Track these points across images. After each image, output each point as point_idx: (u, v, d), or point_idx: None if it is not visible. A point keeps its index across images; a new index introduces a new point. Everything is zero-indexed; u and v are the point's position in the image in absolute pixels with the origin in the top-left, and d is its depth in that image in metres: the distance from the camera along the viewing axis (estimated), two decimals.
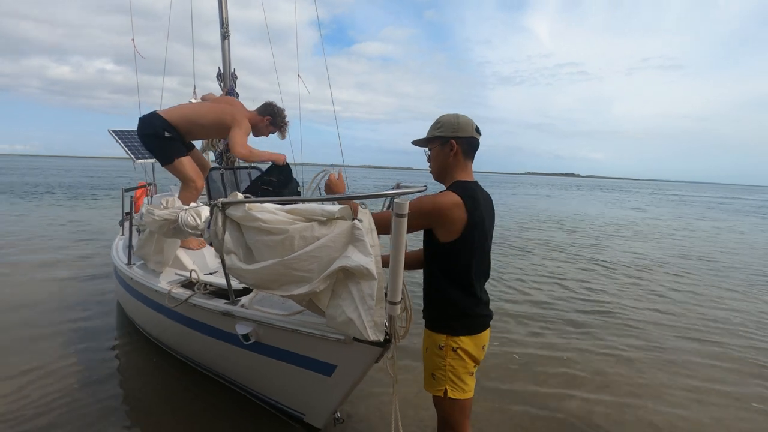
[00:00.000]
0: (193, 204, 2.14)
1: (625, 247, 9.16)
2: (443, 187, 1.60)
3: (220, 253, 1.72)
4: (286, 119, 3.20)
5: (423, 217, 1.47)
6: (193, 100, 5.45)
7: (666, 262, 7.66)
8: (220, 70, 3.76)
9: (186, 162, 3.03)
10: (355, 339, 1.54)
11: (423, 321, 1.61)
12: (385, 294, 1.39)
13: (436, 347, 1.52)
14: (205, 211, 2.03)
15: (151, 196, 4.53)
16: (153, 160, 3.94)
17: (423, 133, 1.68)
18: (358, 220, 1.52)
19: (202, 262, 2.91)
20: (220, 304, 2.09)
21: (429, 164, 1.71)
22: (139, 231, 2.92)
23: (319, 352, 1.77)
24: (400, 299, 1.35)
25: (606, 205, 23.41)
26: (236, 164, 3.88)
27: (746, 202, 35.76)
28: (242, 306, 2.03)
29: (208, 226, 1.79)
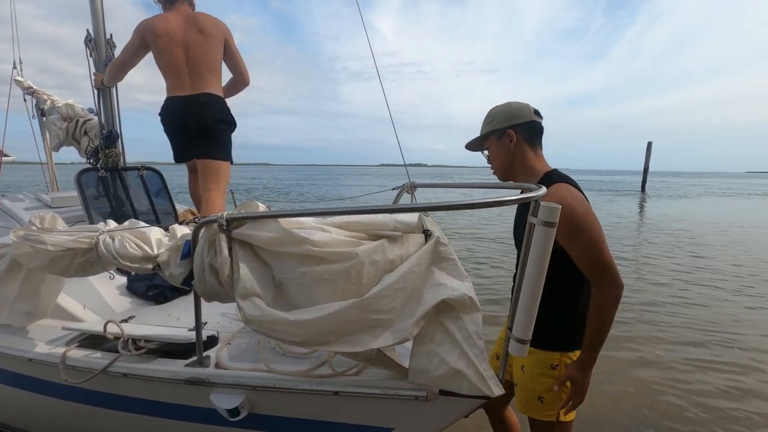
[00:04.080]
0: (118, 224, 1.38)
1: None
2: None
3: (217, 297, 1.11)
4: None
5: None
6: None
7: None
8: (90, 34, 2.71)
9: None
10: (442, 393, 1.14)
11: None
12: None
13: (548, 367, 1.31)
14: (157, 233, 1.32)
15: None
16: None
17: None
18: (429, 231, 1.13)
19: (99, 305, 2.01)
20: (179, 367, 1.40)
21: (490, 166, 1.52)
22: None
23: (366, 415, 1.29)
24: (530, 338, 1.02)
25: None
26: (121, 163, 2.87)
27: None
28: (218, 365, 1.40)
29: (184, 256, 1.14)
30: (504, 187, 1.54)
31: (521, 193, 1.08)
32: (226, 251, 1.03)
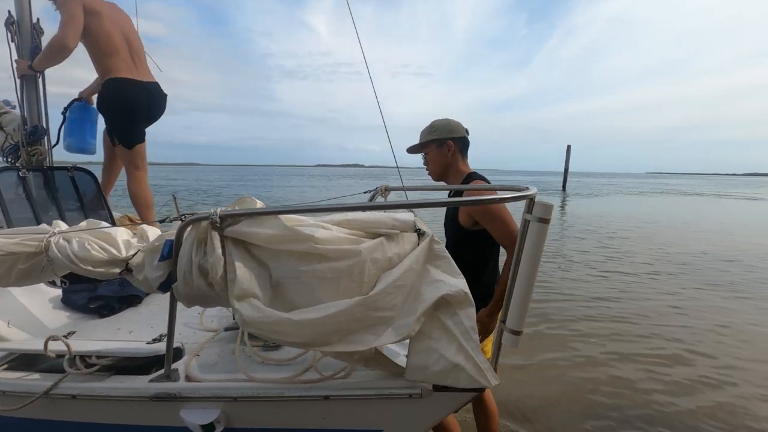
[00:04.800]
0: (92, 224, 1.23)
1: None
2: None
3: (202, 301, 1.04)
4: None
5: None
6: None
7: None
8: (12, 16, 2.39)
9: None
10: (436, 388, 1.16)
11: None
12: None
13: None
14: (123, 234, 1.19)
15: None
16: None
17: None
18: (421, 230, 1.17)
19: (27, 321, 1.75)
20: (142, 383, 1.27)
21: (426, 167, 1.86)
22: None
23: (354, 419, 1.26)
24: (523, 330, 1.08)
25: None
26: (47, 162, 2.55)
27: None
28: (188, 378, 1.29)
29: (163, 258, 1.05)
30: (485, 190, 1.63)
31: (514, 192, 1.15)
32: (219, 250, 0.96)
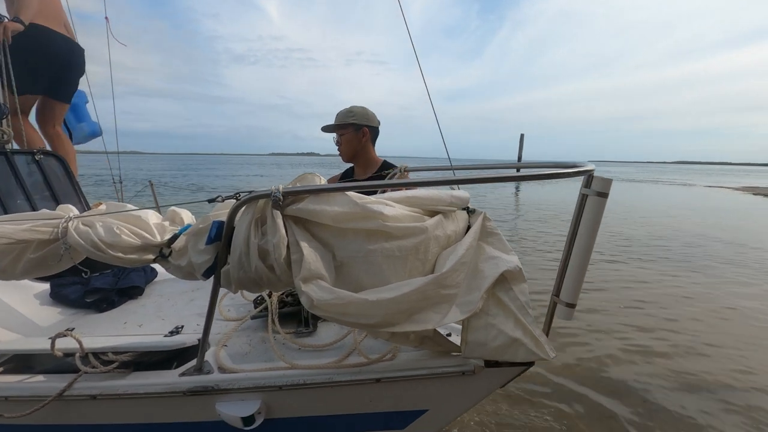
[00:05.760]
0: (113, 207, 1.11)
1: None
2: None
3: (256, 285, 0.97)
4: None
5: None
6: None
7: None
8: None
9: None
10: (488, 364, 1.17)
11: None
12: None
13: None
14: (153, 217, 1.08)
15: None
16: None
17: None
18: (471, 208, 1.18)
19: (14, 320, 1.57)
20: (172, 378, 1.18)
21: (338, 147, 2.05)
22: None
23: (400, 400, 1.25)
24: (576, 302, 1.11)
25: None
26: (8, 146, 2.28)
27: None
28: (222, 369, 1.21)
29: (211, 240, 0.97)
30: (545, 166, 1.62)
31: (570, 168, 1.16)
32: (283, 230, 0.90)
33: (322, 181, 0.97)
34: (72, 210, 1.14)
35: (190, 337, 1.34)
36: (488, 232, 1.12)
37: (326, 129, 2.06)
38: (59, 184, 2.39)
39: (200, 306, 1.68)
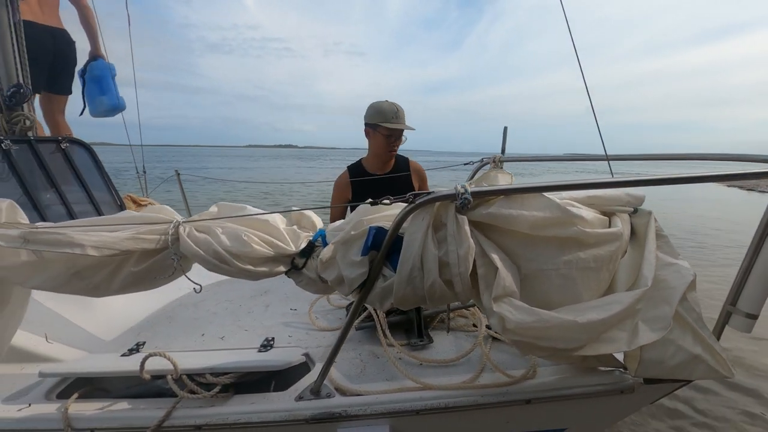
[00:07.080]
0: (225, 208, 0.93)
1: None
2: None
3: (429, 302, 0.82)
4: None
5: None
6: None
7: None
8: None
9: None
10: (647, 381, 1.05)
11: None
12: None
13: None
14: (279, 223, 0.91)
15: None
16: None
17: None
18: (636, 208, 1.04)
19: (70, 333, 1.38)
20: (287, 403, 1.03)
21: (395, 145, 1.92)
22: None
23: (539, 420, 1.12)
24: (759, 313, 0.99)
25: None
26: (31, 134, 2.03)
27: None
28: (342, 392, 1.07)
29: (366, 250, 0.81)
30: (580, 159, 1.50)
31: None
32: (471, 239, 0.75)
33: (507, 180, 0.81)
34: (173, 213, 0.96)
35: (294, 352, 1.19)
36: (658, 234, 0.99)
37: (402, 129, 1.91)
38: (88, 174, 2.16)
39: (280, 313, 1.52)
